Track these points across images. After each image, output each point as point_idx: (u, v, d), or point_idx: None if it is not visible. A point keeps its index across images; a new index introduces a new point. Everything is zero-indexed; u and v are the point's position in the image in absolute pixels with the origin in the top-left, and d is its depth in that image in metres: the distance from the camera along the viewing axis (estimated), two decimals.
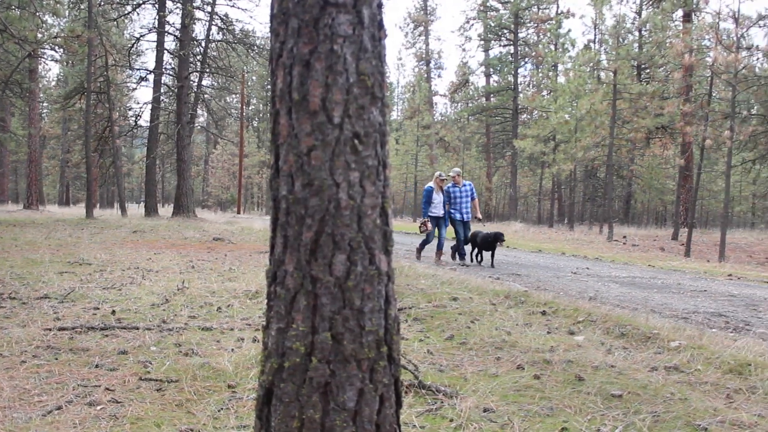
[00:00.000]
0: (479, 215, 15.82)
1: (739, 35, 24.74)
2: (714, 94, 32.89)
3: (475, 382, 4.58)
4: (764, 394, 4.59)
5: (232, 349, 5.31)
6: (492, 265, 14.73)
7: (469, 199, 15.34)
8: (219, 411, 3.92)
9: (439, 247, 15.22)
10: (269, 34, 2.40)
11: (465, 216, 15.25)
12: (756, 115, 43.36)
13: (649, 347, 5.97)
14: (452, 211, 15.26)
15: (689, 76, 32.22)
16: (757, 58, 34.94)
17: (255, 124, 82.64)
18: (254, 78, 74.12)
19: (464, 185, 15.33)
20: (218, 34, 37.46)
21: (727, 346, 5.83)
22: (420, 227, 15.26)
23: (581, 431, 3.74)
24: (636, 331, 6.50)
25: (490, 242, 14.87)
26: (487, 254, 15.41)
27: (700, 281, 13.55)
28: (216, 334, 5.99)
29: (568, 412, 4.06)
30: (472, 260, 15.63)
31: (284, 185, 2.24)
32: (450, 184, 15.38)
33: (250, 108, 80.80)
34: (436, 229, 15.41)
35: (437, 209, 15.08)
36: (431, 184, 15.17)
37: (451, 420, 3.85)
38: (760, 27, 25.95)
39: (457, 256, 15.65)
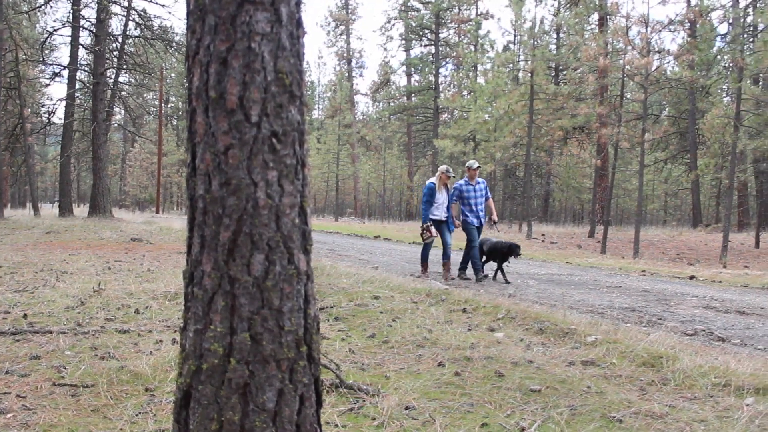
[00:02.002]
0: (495, 218, 13.72)
1: (649, 39, 25.46)
2: (627, 96, 33.82)
3: (397, 380, 4.60)
4: (675, 385, 4.74)
5: (151, 352, 5.20)
6: (494, 278, 12.59)
7: (484, 199, 13.01)
8: (137, 415, 3.84)
9: (446, 257, 12.65)
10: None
11: (481, 220, 12.91)
12: (667, 116, 44.79)
13: (567, 342, 6.10)
14: (465, 213, 12.84)
15: (603, 78, 33.02)
16: (668, 62, 36.08)
17: (174, 123, 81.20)
18: (173, 75, 72.84)
19: (478, 182, 12.95)
20: (136, 29, 36.65)
21: (641, 340, 6.00)
22: (422, 233, 12.56)
23: (501, 426, 3.79)
24: (554, 327, 6.63)
25: (503, 254, 12.40)
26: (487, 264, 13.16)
27: (615, 277, 13.91)
28: (134, 337, 5.86)
29: (489, 408, 4.11)
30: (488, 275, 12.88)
31: (201, 184, 2.21)
32: (462, 181, 12.98)
33: (168, 106, 79.36)
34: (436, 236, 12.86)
35: (440, 211, 12.57)
36: (433, 180, 12.67)
37: (374, 418, 3.86)
38: (670, 31, 26.77)
39: (465, 270, 13.13)
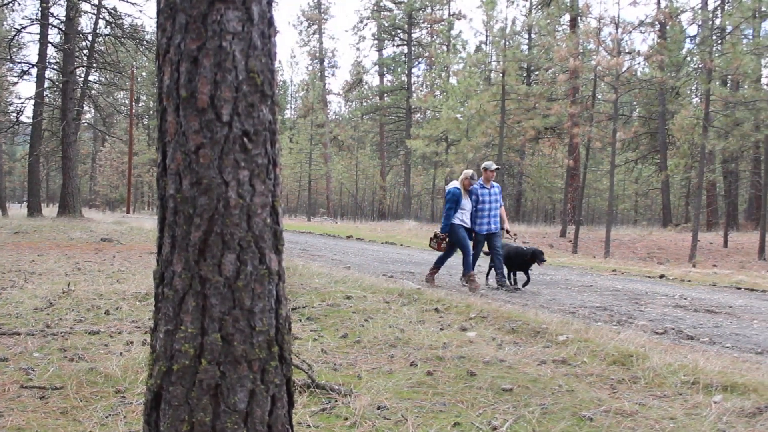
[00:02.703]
0: (508, 226, 12.28)
1: (619, 40, 25.68)
2: (599, 96, 34.06)
3: (370, 380, 4.59)
4: (645, 383, 4.78)
5: (121, 353, 5.16)
6: (524, 284, 11.50)
7: (499, 205, 11.96)
8: (107, 417, 3.80)
9: (469, 267, 11.33)
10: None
11: (494, 227, 11.76)
12: (638, 117, 45.21)
13: (539, 341, 6.13)
14: (477, 220, 11.69)
15: (575, 79, 33.27)
16: (639, 63, 36.41)
17: (145, 122, 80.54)
18: (144, 74, 72.22)
19: (493, 186, 11.87)
20: (106, 28, 36.22)
21: (611, 339, 6.05)
22: (432, 241, 11.64)
23: (473, 425, 3.80)
24: (526, 326, 6.67)
25: (526, 261, 11.46)
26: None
27: (586, 276, 14.02)
28: (104, 338, 5.80)
29: (461, 407, 4.12)
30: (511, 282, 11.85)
31: (172, 184, 2.19)
32: (476, 184, 11.73)
33: (140, 105, 78.74)
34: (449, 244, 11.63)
35: (466, 217, 11.46)
36: (456, 184, 11.53)
37: (346, 418, 3.85)
38: (641, 32, 27.01)
39: (488, 278, 12.27)
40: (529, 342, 6.15)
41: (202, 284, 2.16)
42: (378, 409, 4.02)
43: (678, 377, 4.85)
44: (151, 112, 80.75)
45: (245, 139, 2.18)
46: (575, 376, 4.94)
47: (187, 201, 2.16)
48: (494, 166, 11.81)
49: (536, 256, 11.26)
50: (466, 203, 11.43)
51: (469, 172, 11.60)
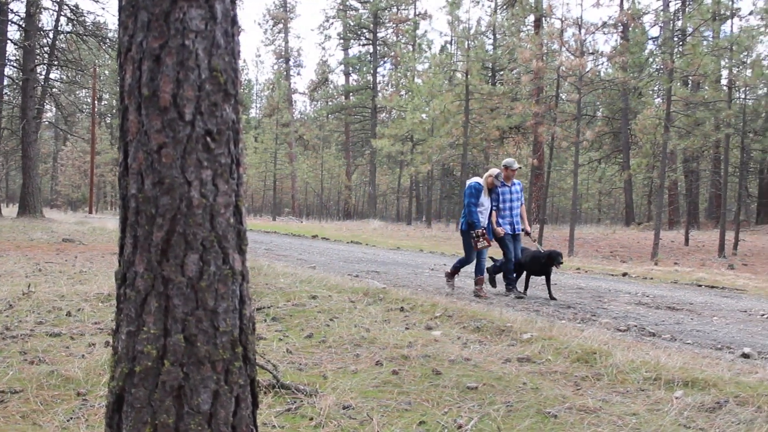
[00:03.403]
0: (528, 228, 11.33)
1: (583, 41, 25.91)
2: (562, 96, 34.39)
3: (335, 380, 4.58)
4: (608, 380, 4.84)
5: (83, 355, 5.09)
6: (550, 296, 10.38)
7: (520, 203, 11.14)
8: (68, 421, 3.75)
9: (481, 270, 10.62)
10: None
11: (516, 227, 10.97)
12: (601, 117, 45.66)
13: (503, 340, 6.17)
14: (498, 221, 10.87)
15: (539, 79, 33.49)
16: (602, 63, 36.73)
17: (108, 121, 79.54)
18: (107, 72, 71.27)
19: (514, 184, 11.05)
20: (68, 25, 35.72)
21: (575, 337, 6.11)
22: (476, 241, 10.43)
23: (438, 424, 3.81)
24: (491, 324, 6.70)
25: (542, 264, 10.53)
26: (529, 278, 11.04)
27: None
28: (65, 340, 5.72)
29: (426, 406, 4.13)
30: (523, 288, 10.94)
31: (134, 183, 2.17)
32: (497, 182, 10.88)
33: (102, 103, 77.76)
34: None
35: (483, 217, 10.62)
36: (478, 180, 10.65)
37: (311, 418, 3.84)
38: (604, 33, 27.29)
39: (497, 282, 11.42)
40: (494, 340, 6.19)
41: (164, 285, 2.14)
42: (343, 408, 4.01)
43: (640, 374, 4.92)
44: (114, 110, 79.69)
45: (208, 139, 2.17)
46: (539, 373, 4.98)
47: (149, 201, 2.14)
48: (516, 165, 11.04)
49: (553, 259, 10.34)
50: (486, 201, 10.60)
51: (495, 171, 10.72)
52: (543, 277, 10.61)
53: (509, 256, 10.75)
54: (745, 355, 6.62)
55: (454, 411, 4.05)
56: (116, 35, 40.96)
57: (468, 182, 10.78)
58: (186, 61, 2.14)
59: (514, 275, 10.84)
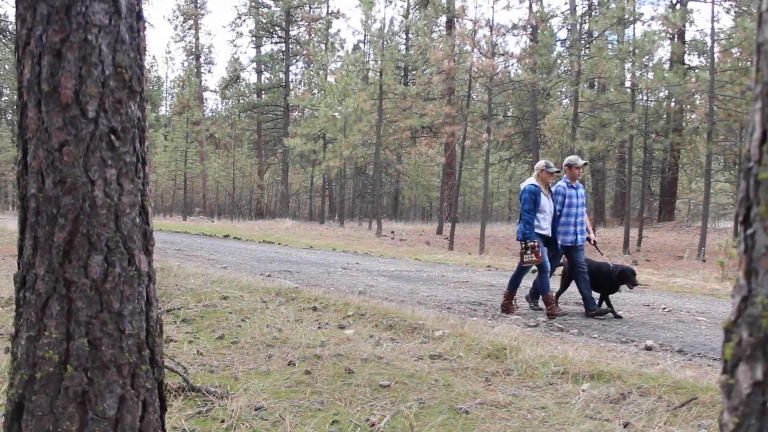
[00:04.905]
0: (594, 236, 9.78)
1: (493, 42, 26.34)
2: (474, 97, 34.86)
3: (247, 381, 4.54)
4: (518, 375, 4.93)
5: None
6: (615, 314, 8.95)
7: (584, 209, 9.56)
8: None
9: (548, 288, 9.01)
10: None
11: (580, 237, 9.29)
12: (511, 117, 46.49)
13: (416, 337, 6.22)
14: (561, 228, 9.28)
15: (451, 80, 33.86)
16: (512, 64, 37.40)
17: (9, 117, 76.76)
18: (7, 66, 68.80)
19: (578, 186, 9.48)
20: None
21: (486, 333, 6.22)
22: (524, 253, 8.91)
23: (351, 422, 3.81)
24: (403, 322, 6.74)
25: (613, 282, 8.96)
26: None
27: (462, 273, 14.31)
28: None
29: (339, 405, 4.13)
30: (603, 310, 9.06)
31: (33, 183, 2.09)
32: (563, 183, 9.44)
33: (2, 99, 74.97)
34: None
35: (546, 223, 9.06)
36: (533, 181, 9.05)
37: (222, 421, 3.79)
38: (514, 35, 27.79)
39: (538, 302, 9.79)
40: (407, 338, 6.23)
41: (67, 287, 2.07)
42: (255, 410, 3.97)
43: (549, 368, 5.03)
44: (15, 106, 76.90)
45: (112, 137, 2.11)
46: (451, 370, 5.04)
47: (50, 201, 2.06)
48: (581, 162, 9.44)
49: (626, 277, 8.82)
50: (546, 203, 9.02)
51: (542, 162, 9.19)
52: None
53: (579, 270, 9.14)
54: (648, 348, 6.86)
55: (366, 409, 4.06)
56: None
57: (521, 186, 9.24)
58: (89, 57, 2.08)
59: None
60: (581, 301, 9.39)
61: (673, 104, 32.09)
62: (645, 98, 29.46)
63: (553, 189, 9.30)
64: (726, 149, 29.81)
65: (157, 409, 2.28)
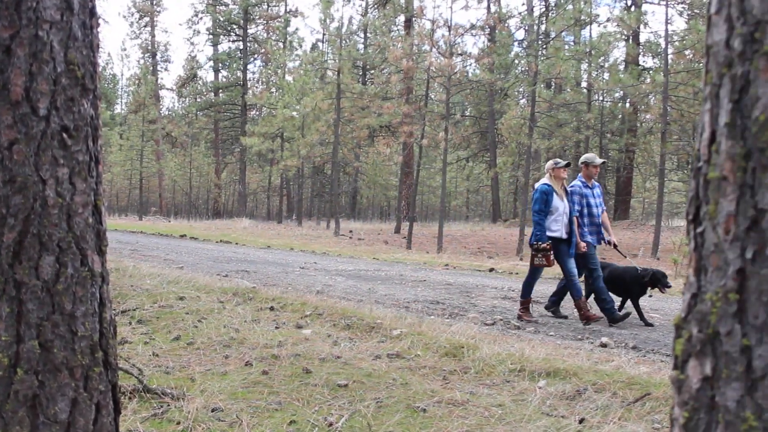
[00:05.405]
0: (614, 238, 9.26)
1: (452, 42, 26.47)
2: (432, 96, 34.99)
3: (203, 382, 4.50)
4: (476, 373, 4.96)
5: None
6: (645, 321, 8.45)
7: (602, 209, 9.13)
8: None
9: (579, 293, 8.40)
10: None
11: (598, 237, 8.97)
12: (469, 117, 46.80)
13: (374, 337, 6.22)
14: (584, 229, 8.82)
15: (409, 79, 33.96)
16: (470, 64, 37.66)
17: None
18: None
19: (595, 186, 9.11)
20: None
21: (444, 332, 6.25)
22: (534, 256, 8.55)
23: (309, 422, 3.80)
24: (361, 322, 6.75)
25: (643, 285, 8.45)
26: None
27: (420, 272, 14.36)
28: None
29: (297, 405, 4.11)
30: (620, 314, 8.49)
31: None
32: (578, 182, 9.04)
33: None
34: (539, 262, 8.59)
35: (560, 225, 8.54)
36: (546, 181, 8.64)
37: (178, 422, 3.75)
38: (472, 35, 27.96)
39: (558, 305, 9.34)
40: (364, 337, 6.23)
41: (17, 289, 2.03)
42: (212, 411, 3.94)
43: (506, 366, 5.07)
44: None
45: (64, 135, 2.07)
46: (409, 369, 5.05)
47: None
48: (599, 160, 9.02)
49: (657, 280, 8.33)
50: (559, 204, 8.54)
51: (551, 162, 8.79)
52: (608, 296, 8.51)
53: (596, 274, 8.61)
54: (603, 345, 6.95)
55: (324, 409, 4.05)
56: None
57: (535, 186, 8.83)
58: (40, 53, 2.03)
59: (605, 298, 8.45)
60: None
61: (628, 105, 32.57)
62: (601, 99, 29.90)
63: (568, 189, 8.89)
64: (679, 149, 30.34)
65: (111, 412, 2.24)
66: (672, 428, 1.45)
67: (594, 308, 8.77)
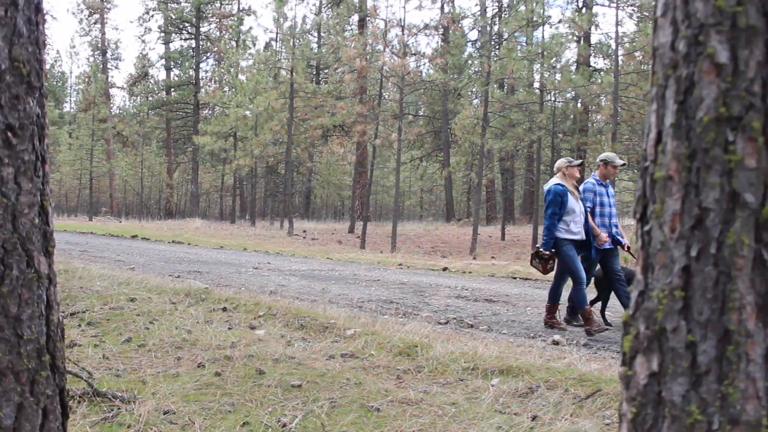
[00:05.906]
0: (627, 241, 8.81)
1: (405, 42, 26.53)
2: (385, 96, 35.07)
3: (155, 385, 4.44)
4: (429, 372, 4.98)
5: None
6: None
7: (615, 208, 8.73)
8: None
9: (585, 301, 7.82)
10: None
11: (618, 238, 8.46)
12: (423, 116, 46.96)
13: (327, 337, 6.21)
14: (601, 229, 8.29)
15: (363, 79, 33.97)
16: (424, 64, 37.77)
17: None
18: None
19: (608, 184, 8.63)
20: None
21: (398, 331, 6.25)
22: (534, 260, 8.20)
23: (262, 423, 3.78)
24: (315, 322, 6.73)
25: None
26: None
27: (374, 271, 14.37)
28: None
29: (250, 406, 4.09)
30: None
31: None
32: (591, 180, 8.60)
33: None
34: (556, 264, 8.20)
35: (578, 226, 8.02)
36: (558, 180, 8.06)
37: (129, 426, 3.70)
38: (426, 35, 28.07)
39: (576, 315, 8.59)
40: (318, 337, 6.21)
41: None
42: (164, 414, 3.90)
43: (459, 364, 5.10)
44: None
45: (9, 134, 2.02)
46: (363, 368, 5.05)
47: None
48: (619, 161, 8.50)
49: None
50: (575, 205, 7.99)
51: (563, 160, 8.28)
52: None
53: (615, 278, 8.27)
54: (555, 342, 7.03)
55: (278, 410, 4.03)
56: None
57: (545, 187, 8.24)
58: None
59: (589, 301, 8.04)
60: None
61: (579, 105, 32.95)
62: (553, 99, 30.19)
63: (581, 187, 8.45)
64: (629, 149, 30.74)
65: (59, 417, 2.20)
66: (621, 423, 1.47)
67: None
